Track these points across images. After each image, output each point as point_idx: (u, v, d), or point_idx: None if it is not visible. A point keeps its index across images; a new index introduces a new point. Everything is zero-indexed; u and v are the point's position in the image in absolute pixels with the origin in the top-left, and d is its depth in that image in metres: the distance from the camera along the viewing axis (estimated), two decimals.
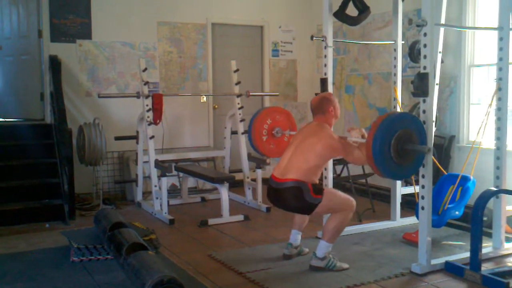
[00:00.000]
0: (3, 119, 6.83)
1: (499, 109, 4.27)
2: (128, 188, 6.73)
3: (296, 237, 4.33)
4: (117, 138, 6.30)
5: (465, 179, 4.57)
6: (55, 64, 6.25)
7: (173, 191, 6.73)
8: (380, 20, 6.77)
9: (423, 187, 3.88)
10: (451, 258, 4.08)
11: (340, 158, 5.79)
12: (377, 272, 3.96)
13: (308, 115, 8.03)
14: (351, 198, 4.03)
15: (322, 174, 4.77)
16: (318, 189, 3.93)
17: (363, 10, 4.81)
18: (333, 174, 5.39)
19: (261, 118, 5.02)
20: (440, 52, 4.90)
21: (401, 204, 5.33)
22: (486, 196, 3.90)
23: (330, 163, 4.82)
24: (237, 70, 6.44)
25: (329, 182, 4.84)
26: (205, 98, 7.39)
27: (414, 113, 5.66)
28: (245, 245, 4.75)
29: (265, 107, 5.20)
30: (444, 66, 5.54)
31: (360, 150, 3.87)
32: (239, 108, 6.40)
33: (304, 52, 8.09)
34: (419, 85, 3.81)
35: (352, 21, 4.86)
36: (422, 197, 3.89)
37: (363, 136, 4.08)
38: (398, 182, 5.23)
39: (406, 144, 3.66)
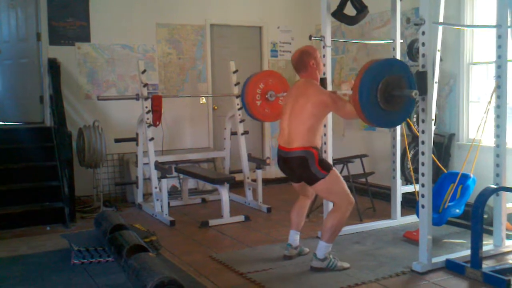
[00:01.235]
0: (3, 123, 6.83)
1: (498, 106, 4.27)
2: (128, 190, 6.73)
3: (294, 237, 4.32)
4: (117, 141, 6.31)
5: (465, 177, 4.57)
6: (54, 67, 6.25)
7: (174, 193, 6.73)
8: (378, 20, 6.77)
9: (423, 185, 3.88)
10: (452, 256, 4.08)
11: (340, 158, 5.82)
12: (378, 271, 3.95)
13: None
14: (351, 195, 4.01)
15: None
16: (326, 164, 3.93)
17: (361, 9, 4.81)
18: None
19: (253, 83, 4.92)
20: (438, 51, 4.91)
21: (402, 202, 5.32)
22: (486, 193, 3.90)
23: (330, 161, 4.81)
24: (236, 71, 6.45)
25: None
26: (204, 99, 7.39)
27: (414, 112, 5.66)
28: (246, 245, 4.75)
29: (256, 72, 5.09)
30: (443, 64, 5.54)
31: (351, 104, 3.76)
32: (239, 109, 6.40)
33: None
34: (418, 83, 3.80)
35: (350, 21, 4.86)
36: (422, 196, 3.89)
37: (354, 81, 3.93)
38: (399, 181, 5.23)
39: (394, 90, 3.54)
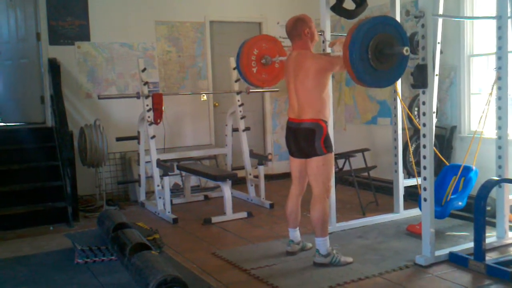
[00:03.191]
0: (4, 124, 6.84)
1: (499, 98, 4.26)
2: (131, 189, 6.74)
3: (294, 234, 4.32)
4: (118, 139, 6.31)
5: (467, 169, 4.56)
6: (54, 67, 6.26)
7: (176, 190, 6.74)
8: (378, 13, 6.74)
9: (425, 178, 3.87)
10: (455, 248, 4.08)
11: (342, 153, 5.82)
12: (381, 265, 3.95)
13: None
14: (331, 185, 4.17)
15: None
16: (329, 143, 3.98)
17: (361, 3, 4.78)
18: (335, 168, 5.39)
19: (246, 50, 4.81)
20: (439, 43, 4.89)
21: (404, 196, 5.31)
22: (488, 185, 3.88)
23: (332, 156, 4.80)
24: (236, 67, 6.42)
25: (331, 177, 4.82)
26: (205, 96, 7.37)
27: (415, 104, 5.66)
28: (249, 242, 4.75)
29: (248, 38, 4.95)
30: (443, 56, 5.52)
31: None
32: (240, 105, 6.39)
33: None
34: (418, 76, 3.79)
35: (350, 15, 4.83)
36: (425, 189, 3.88)
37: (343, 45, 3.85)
38: (401, 175, 5.22)
39: (385, 48, 3.45)
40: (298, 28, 4.01)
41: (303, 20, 4.03)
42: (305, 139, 3.97)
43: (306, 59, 3.95)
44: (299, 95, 4.00)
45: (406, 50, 3.43)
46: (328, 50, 4.74)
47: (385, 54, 3.46)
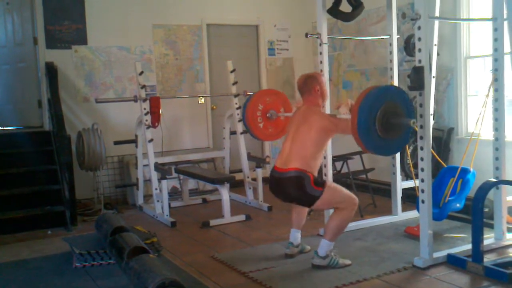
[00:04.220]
0: (2, 128, 6.83)
1: (496, 99, 4.27)
2: (129, 192, 6.74)
3: (295, 235, 4.32)
4: (116, 143, 6.30)
5: (465, 171, 4.57)
6: (51, 71, 6.26)
7: (174, 194, 6.73)
8: (374, 15, 6.77)
9: (422, 180, 3.88)
10: (453, 250, 4.08)
11: (340, 155, 5.82)
12: (380, 267, 3.96)
13: None
14: (353, 196, 4.00)
15: (322, 170, 4.77)
16: (320, 181, 3.91)
17: (357, 5, 4.80)
18: (333, 170, 5.40)
19: (251, 106, 4.90)
20: (435, 45, 4.91)
21: (402, 198, 5.33)
22: (486, 187, 3.89)
23: (329, 160, 4.82)
24: (233, 70, 6.44)
25: (329, 178, 4.83)
26: (203, 99, 7.39)
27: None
28: (248, 245, 4.75)
29: (252, 94, 5.06)
30: (440, 58, 5.53)
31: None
32: (237, 108, 6.40)
33: (300, 50, 8.09)
34: (415, 78, 3.80)
35: (346, 17, 4.85)
36: (422, 191, 3.89)
37: (351, 109, 3.91)
38: (399, 177, 5.23)
39: (392, 118, 3.54)
40: (308, 84, 4.08)
41: (314, 78, 4.11)
42: (294, 187, 3.86)
43: (313, 115, 3.99)
44: (294, 144, 3.96)
45: (413, 123, 3.55)
46: (327, 50, 4.78)
47: (392, 124, 3.55)
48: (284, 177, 3.91)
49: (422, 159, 3.86)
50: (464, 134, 5.76)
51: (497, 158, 4.28)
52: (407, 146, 5.28)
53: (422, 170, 3.87)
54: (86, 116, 6.69)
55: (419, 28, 3.80)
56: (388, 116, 3.53)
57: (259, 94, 5.12)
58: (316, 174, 3.96)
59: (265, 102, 4.97)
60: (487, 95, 4.33)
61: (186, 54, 7.32)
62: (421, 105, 3.85)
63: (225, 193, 5.53)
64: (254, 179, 6.28)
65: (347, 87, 7.39)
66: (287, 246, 4.32)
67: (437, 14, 4.87)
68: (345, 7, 4.78)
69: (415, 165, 4.87)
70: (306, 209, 4.38)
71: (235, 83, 6.43)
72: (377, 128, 3.50)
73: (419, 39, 3.81)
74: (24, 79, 6.80)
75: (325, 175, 4.80)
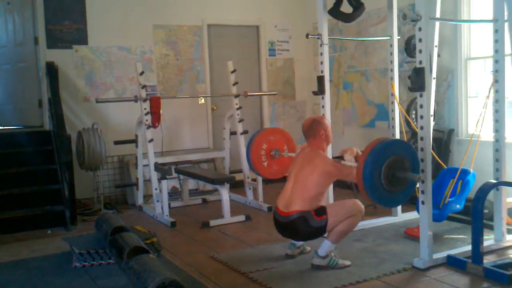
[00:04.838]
0: (2, 127, 6.84)
1: (496, 101, 4.27)
2: (129, 192, 6.73)
3: None
4: (116, 143, 6.30)
5: (465, 172, 4.56)
6: (52, 70, 6.26)
7: (174, 194, 6.73)
8: (375, 16, 6.77)
9: (423, 181, 3.87)
10: (453, 251, 4.08)
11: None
12: (380, 268, 3.95)
13: (306, 113, 8.04)
14: (358, 203, 4.00)
15: None
16: (320, 210, 3.91)
17: (358, 6, 4.80)
18: None
19: (255, 146, 4.92)
20: (436, 46, 4.91)
21: None
22: (486, 188, 3.89)
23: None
24: (234, 71, 6.44)
25: None
26: (203, 100, 7.39)
27: (412, 107, 5.67)
28: (247, 245, 4.75)
29: (255, 134, 5.08)
30: (440, 60, 5.54)
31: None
32: (238, 109, 6.40)
33: (301, 51, 8.10)
34: (416, 80, 3.81)
35: (347, 18, 4.86)
36: (422, 192, 3.89)
37: (357, 156, 4.01)
38: None
39: (397, 172, 3.59)
40: (314, 129, 4.10)
41: (319, 122, 4.13)
42: (301, 228, 3.91)
43: (317, 157, 4.00)
44: (296, 185, 3.98)
45: (418, 178, 3.64)
46: (328, 51, 4.78)
47: (397, 178, 3.60)
48: (288, 221, 3.95)
49: (422, 160, 3.86)
50: (464, 136, 5.76)
51: (497, 160, 4.29)
52: None
53: (422, 171, 3.86)
54: (86, 116, 6.69)
55: (419, 29, 3.80)
56: (394, 170, 3.58)
57: (263, 134, 5.09)
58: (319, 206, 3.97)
59: (269, 141, 4.99)
60: (488, 97, 4.33)
61: (187, 54, 7.32)
62: (421, 106, 3.85)
63: (225, 194, 5.53)
64: (254, 180, 6.28)
65: (347, 88, 7.39)
66: (289, 247, 4.32)
67: (437, 15, 4.87)
68: (346, 8, 4.79)
69: None
70: None
71: (235, 83, 6.43)
72: (383, 181, 3.56)
73: (420, 40, 3.81)
74: (25, 78, 6.81)
75: None
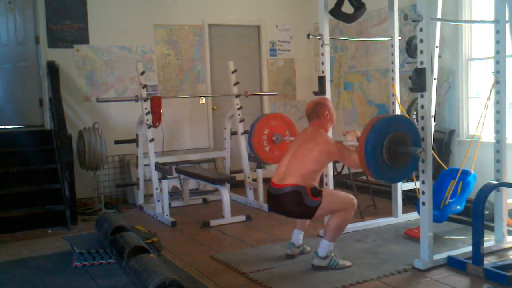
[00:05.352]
0: (3, 127, 6.84)
1: (497, 102, 4.27)
2: (129, 192, 6.73)
3: (298, 236, 4.32)
4: (117, 142, 6.30)
5: (465, 173, 4.56)
6: (53, 70, 6.26)
7: (175, 193, 6.73)
8: (376, 17, 6.77)
9: (423, 182, 3.88)
10: (453, 252, 4.08)
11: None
12: (380, 269, 3.95)
13: None
14: (351, 196, 4.02)
15: (322, 174, 4.78)
16: (317, 191, 3.91)
17: (359, 7, 4.80)
18: (334, 172, 5.40)
19: (257, 131, 4.99)
20: (437, 47, 4.90)
21: (403, 200, 5.32)
22: (487, 189, 3.89)
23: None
24: (235, 71, 6.44)
25: (330, 180, 4.83)
26: (204, 100, 7.39)
27: (413, 108, 5.66)
28: (248, 245, 4.75)
29: (258, 119, 5.16)
30: (441, 60, 5.53)
31: (357, 154, 3.82)
32: (238, 109, 6.40)
33: (302, 51, 8.10)
34: (417, 80, 3.80)
35: (348, 18, 4.85)
36: (423, 193, 3.89)
37: (358, 139, 4.03)
38: None
39: (399, 147, 3.61)
40: (319, 111, 4.11)
41: (323, 104, 4.14)
42: (293, 202, 3.87)
43: (320, 136, 4.01)
44: (293, 161, 3.96)
45: (420, 152, 3.62)
46: (328, 53, 4.78)
47: (399, 153, 3.61)
48: (281, 193, 3.92)
49: (423, 161, 3.86)
50: (465, 136, 5.75)
51: (498, 161, 4.28)
52: None
53: (423, 172, 3.87)
54: (87, 115, 6.70)
55: (421, 29, 3.80)
56: (396, 145, 3.59)
57: (265, 119, 5.16)
58: (314, 186, 3.96)
59: (271, 126, 5.04)
60: (489, 97, 4.33)
61: (188, 54, 7.32)
62: (422, 107, 3.85)
63: (225, 194, 5.53)
64: (255, 180, 6.28)
65: (348, 88, 7.39)
66: (288, 247, 4.32)
67: (439, 15, 4.87)
68: (347, 8, 4.78)
69: None
70: None
71: (236, 83, 6.43)
72: (385, 156, 3.56)
73: (421, 40, 3.81)
74: (26, 78, 6.81)
75: (326, 175, 4.80)
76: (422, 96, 3.85)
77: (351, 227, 4.97)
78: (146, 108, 5.78)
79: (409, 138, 3.68)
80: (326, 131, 4.15)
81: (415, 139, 3.71)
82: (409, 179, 5.68)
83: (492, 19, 4.32)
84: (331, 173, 4.86)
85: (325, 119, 4.11)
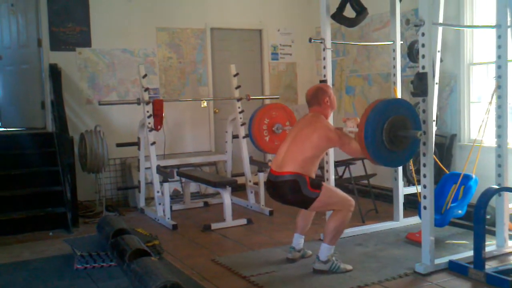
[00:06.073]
0: (5, 129, 6.85)
1: (499, 106, 4.27)
2: (130, 195, 6.74)
3: (298, 241, 4.32)
4: (118, 145, 6.31)
5: (467, 177, 4.56)
6: (55, 72, 6.27)
7: (176, 197, 6.74)
8: (378, 21, 6.78)
9: (425, 186, 3.88)
10: (455, 257, 4.07)
11: (342, 160, 5.82)
12: (381, 273, 3.95)
13: None
14: (350, 198, 4.02)
15: (323, 175, 4.79)
16: (316, 183, 3.90)
17: (361, 11, 4.81)
18: (335, 175, 5.40)
19: (258, 120, 5.01)
20: (439, 51, 4.91)
21: (404, 204, 5.31)
22: (488, 194, 3.89)
23: (331, 164, 4.82)
24: (237, 74, 6.45)
25: (331, 183, 4.82)
26: (205, 103, 7.39)
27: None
28: (249, 248, 4.75)
29: (258, 109, 5.21)
30: (443, 65, 5.54)
31: (356, 141, 3.81)
32: (240, 112, 6.41)
33: (303, 55, 8.11)
34: (418, 84, 3.81)
35: (350, 23, 4.86)
36: (424, 197, 3.89)
37: (358, 126, 3.98)
38: (401, 183, 5.22)
39: (399, 130, 3.60)
40: (319, 96, 4.11)
41: (323, 90, 4.15)
42: (291, 190, 3.87)
43: (320, 121, 4.01)
44: (292, 146, 3.96)
45: (420, 134, 3.62)
46: (330, 57, 4.79)
47: (399, 136, 3.61)
48: (279, 181, 3.92)
49: (424, 165, 3.86)
50: (467, 141, 5.75)
51: (499, 165, 4.28)
52: None
53: (425, 176, 3.87)
54: (89, 118, 6.71)
55: (422, 34, 3.81)
56: (396, 129, 3.59)
57: (265, 109, 5.18)
58: (312, 176, 3.96)
59: (271, 116, 5.05)
60: (490, 102, 4.33)
61: (190, 57, 7.34)
62: (424, 111, 3.85)
63: (226, 197, 5.53)
64: (256, 183, 6.28)
65: (350, 92, 7.39)
66: (289, 251, 4.32)
67: (440, 20, 4.88)
68: (349, 12, 4.79)
69: (417, 171, 4.88)
70: (312, 214, 4.36)
71: (238, 87, 6.44)
72: (385, 140, 3.56)
73: (423, 45, 3.82)
74: (28, 80, 6.82)
75: (327, 179, 4.80)
76: (423, 101, 3.85)
77: (352, 231, 4.97)
78: (148, 111, 5.78)
79: (409, 122, 3.67)
80: (327, 117, 4.14)
81: (415, 122, 3.71)
82: (410, 183, 5.70)
83: (494, 23, 4.33)
84: (332, 177, 4.85)
85: (325, 105, 4.11)
